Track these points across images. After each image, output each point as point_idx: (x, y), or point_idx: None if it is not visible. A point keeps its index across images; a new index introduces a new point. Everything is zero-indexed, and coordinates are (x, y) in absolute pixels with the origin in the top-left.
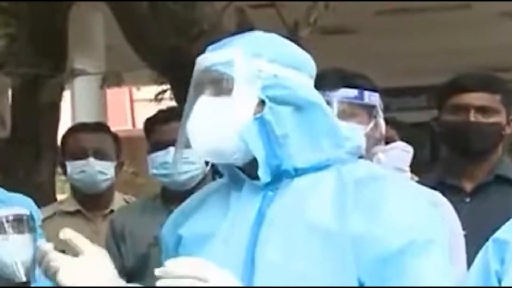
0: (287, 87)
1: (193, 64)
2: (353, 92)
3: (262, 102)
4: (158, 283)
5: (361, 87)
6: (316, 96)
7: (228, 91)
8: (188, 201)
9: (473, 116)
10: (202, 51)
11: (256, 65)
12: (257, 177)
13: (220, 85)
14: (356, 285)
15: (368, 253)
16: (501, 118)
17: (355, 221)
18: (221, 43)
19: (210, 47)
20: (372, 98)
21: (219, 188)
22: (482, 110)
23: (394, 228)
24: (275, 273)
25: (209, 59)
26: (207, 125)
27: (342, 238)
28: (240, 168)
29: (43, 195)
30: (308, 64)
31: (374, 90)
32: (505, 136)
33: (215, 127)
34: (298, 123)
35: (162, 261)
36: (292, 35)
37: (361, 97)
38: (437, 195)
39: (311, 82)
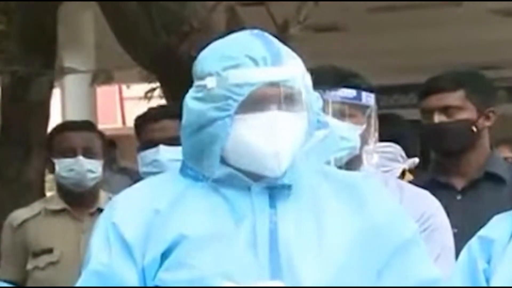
0: (318, 99)
1: (182, 62)
2: (352, 93)
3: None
4: None
5: (358, 87)
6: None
7: (292, 108)
8: (158, 201)
9: (437, 118)
10: (193, 49)
11: (308, 80)
12: (258, 179)
13: (292, 100)
14: (375, 275)
15: (386, 243)
16: (467, 114)
17: (373, 215)
18: (274, 53)
19: (264, 57)
20: (369, 98)
21: (190, 186)
22: (445, 110)
23: (400, 219)
24: (314, 268)
25: (278, 73)
26: (289, 143)
27: (368, 232)
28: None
29: (33, 193)
30: None
31: (369, 89)
32: (487, 130)
33: (293, 144)
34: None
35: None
36: (282, 33)
37: (359, 97)
38: (426, 194)
39: None
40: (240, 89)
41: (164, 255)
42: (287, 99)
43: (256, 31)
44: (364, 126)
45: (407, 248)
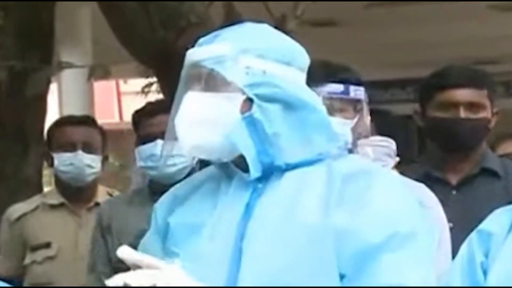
0: (276, 85)
1: (179, 56)
2: (339, 88)
3: (250, 100)
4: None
5: (346, 81)
6: (307, 92)
7: (215, 88)
8: (181, 187)
9: (463, 113)
10: (190, 43)
11: (244, 61)
12: (249, 170)
13: (208, 81)
14: (337, 278)
15: (350, 247)
16: (487, 113)
17: (338, 215)
18: (211, 37)
19: (200, 40)
20: (358, 92)
21: (210, 178)
22: (471, 106)
23: (377, 222)
24: (260, 266)
25: (197, 53)
26: (194, 121)
27: (325, 231)
28: (232, 162)
29: (30, 189)
30: (299, 57)
31: (359, 83)
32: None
33: (202, 124)
34: (288, 120)
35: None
36: (279, 28)
37: (347, 92)
38: (423, 187)
39: (302, 76)
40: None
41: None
42: (203, 78)
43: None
44: (356, 120)
45: (376, 254)
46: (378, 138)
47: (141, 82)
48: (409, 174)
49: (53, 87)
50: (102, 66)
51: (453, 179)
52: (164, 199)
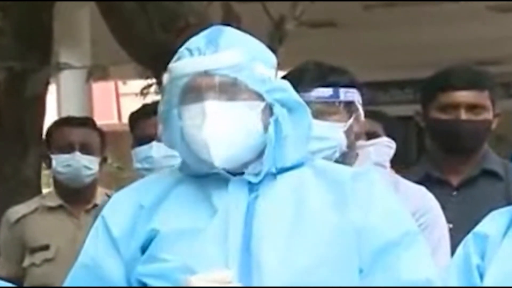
0: (284, 90)
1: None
2: (328, 91)
3: (266, 106)
4: None
5: (336, 84)
6: (296, 94)
7: (235, 96)
8: (144, 195)
9: (464, 115)
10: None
11: (257, 68)
12: (239, 173)
13: (226, 89)
14: (357, 274)
15: (369, 243)
16: (489, 115)
17: (354, 213)
18: (207, 44)
19: (197, 47)
20: (349, 94)
21: (180, 181)
22: (472, 107)
23: (389, 220)
24: (279, 268)
25: (208, 62)
26: (229, 132)
27: (346, 229)
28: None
29: (29, 189)
30: (274, 58)
31: (351, 85)
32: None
33: (237, 133)
34: (291, 124)
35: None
36: (278, 29)
37: (336, 95)
38: (422, 189)
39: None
40: (178, 80)
41: (142, 249)
42: (223, 87)
43: (218, 26)
44: (350, 121)
45: (393, 250)
46: (385, 139)
47: (140, 83)
48: (409, 176)
49: (52, 88)
50: (101, 67)
51: (454, 180)
52: (120, 209)
